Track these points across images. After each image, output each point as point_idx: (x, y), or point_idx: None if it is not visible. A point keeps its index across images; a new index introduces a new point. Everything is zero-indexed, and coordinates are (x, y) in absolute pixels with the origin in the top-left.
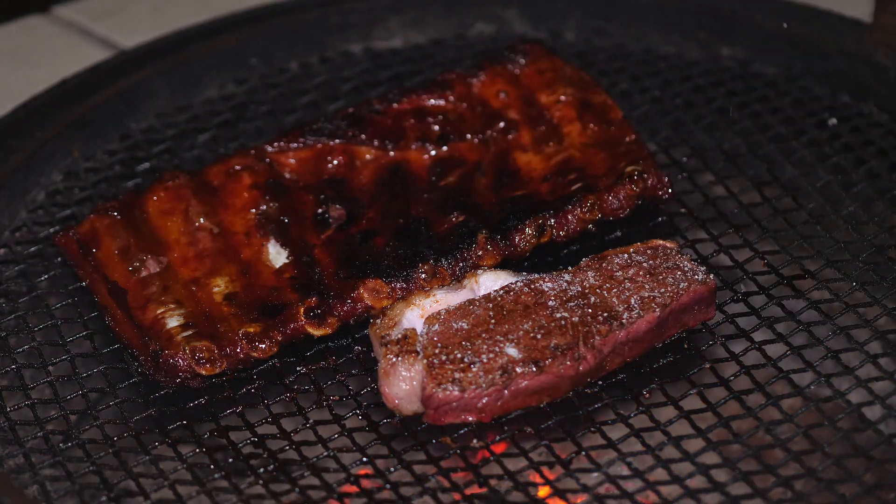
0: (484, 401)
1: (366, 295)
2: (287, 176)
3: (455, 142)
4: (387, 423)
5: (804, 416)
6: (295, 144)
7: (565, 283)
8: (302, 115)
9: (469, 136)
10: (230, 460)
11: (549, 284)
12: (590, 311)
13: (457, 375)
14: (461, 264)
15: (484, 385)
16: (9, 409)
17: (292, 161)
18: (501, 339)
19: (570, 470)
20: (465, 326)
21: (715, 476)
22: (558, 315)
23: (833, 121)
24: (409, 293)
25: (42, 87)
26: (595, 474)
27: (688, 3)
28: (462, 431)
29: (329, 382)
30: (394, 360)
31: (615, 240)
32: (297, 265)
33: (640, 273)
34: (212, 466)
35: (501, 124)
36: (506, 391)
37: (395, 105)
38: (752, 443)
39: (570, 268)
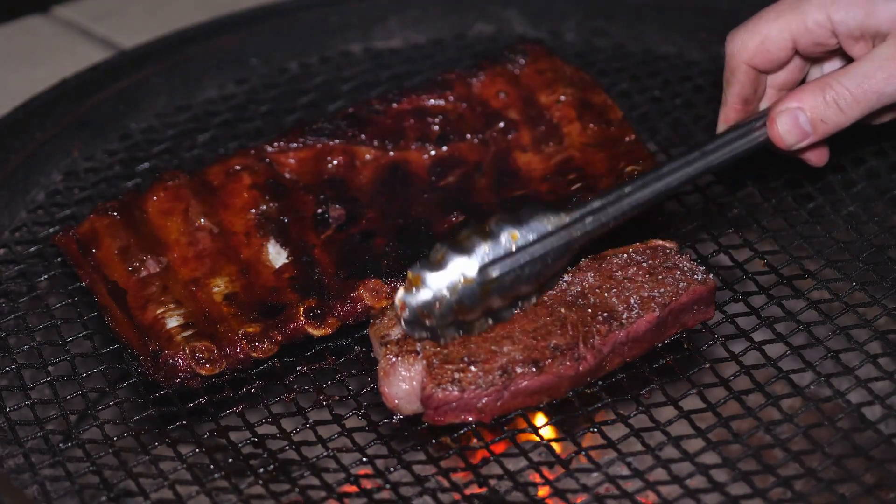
0: (484, 401)
1: (366, 295)
2: (287, 176)
3: (455, 142)
4: (387, 423)
5: (804, 416)
6: (295, 144)
7: (565, 284)
8: (302, 115)
9: (469, 136)
10: (230, 460)
11: None
12: (589, 311)
13: (456, 375)
14: None
15: (483, 385)
16: (9, 409)
17: (292, 161)
18: (501, 339)
19: (570, 470)
20: None
21: (715, 476)
22: (558, 315)
23: None
24: None
25: (42, 87)
26: (595, 474)
27: (688, 3)
28: (462, 431)
29: (329, 382)
30: (394, 360)
31: (615, 240)
32: (297, 265)
33: (640, 273)
34: (212, 466)
35: (501, 124)
36: (505, 391)
37: (394, 105)
38: (752, 443)
39: (569, 268)
